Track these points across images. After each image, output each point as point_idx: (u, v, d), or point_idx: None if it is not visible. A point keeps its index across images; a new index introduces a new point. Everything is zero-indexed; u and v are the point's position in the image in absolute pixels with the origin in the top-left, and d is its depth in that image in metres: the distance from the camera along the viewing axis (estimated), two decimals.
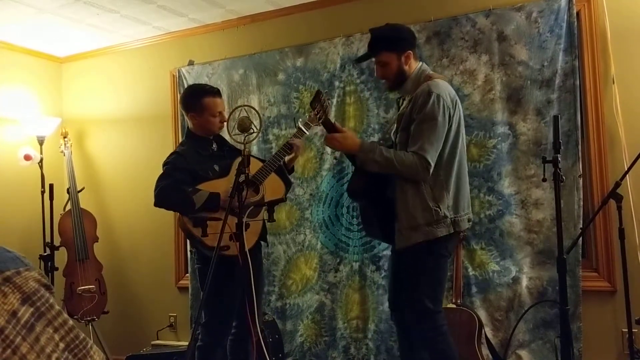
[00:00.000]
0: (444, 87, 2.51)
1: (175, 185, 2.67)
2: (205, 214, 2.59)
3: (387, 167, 2.46)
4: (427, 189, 2.46)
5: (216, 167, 2.77)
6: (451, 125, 2.48)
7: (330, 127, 2.60)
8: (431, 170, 2.43)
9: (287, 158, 2.85)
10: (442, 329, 2.53)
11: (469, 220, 2.59)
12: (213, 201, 2.64)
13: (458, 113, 2.54)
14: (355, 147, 2.53)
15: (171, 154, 2.85)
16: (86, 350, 0.81)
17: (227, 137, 3.10)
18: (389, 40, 2.59)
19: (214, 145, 2.92)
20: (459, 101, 2.58)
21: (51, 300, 0.79)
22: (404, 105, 2.62)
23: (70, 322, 0.82)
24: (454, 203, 2.50)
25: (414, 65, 2.60)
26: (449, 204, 2.48)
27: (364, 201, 2.76)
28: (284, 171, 2.88)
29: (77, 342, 0.80)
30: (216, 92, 2.89)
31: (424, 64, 2.68)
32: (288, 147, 2.79)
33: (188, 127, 2.95)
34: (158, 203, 2.73)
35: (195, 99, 2.86)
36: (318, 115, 2.59)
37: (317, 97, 2.57)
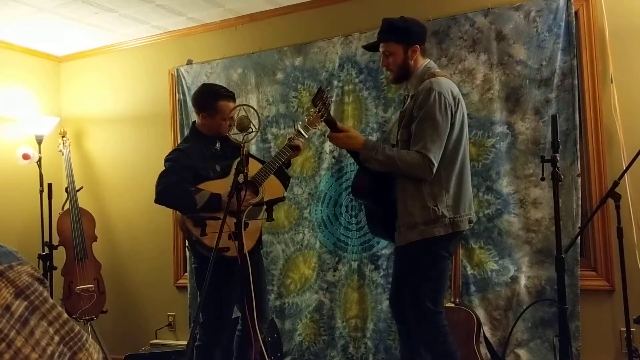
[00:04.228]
0: (446, 85, 2.47)
1: (179, 184, 2.66)
2: (204, 213, 2.59)
3: (389, 165, 2.46)
4: (427, 188, 2.43)
5: (217, 168, 2.76)
6: (454, 124, 2.45)
7: (333, 125, 2.61)
8: (434, 169, 2.40)
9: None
10: (444, 329, 2.50)
11: (470, 222, 2.54)
12: (214, 202, 2.63)
13: (461, 111, 2.50)
14: (359, 145, 2.53)
15: (174, 150, 2.83)
16: (81, 343, 0.80)
17: None
18: (397, 31, 2.58)
19: (218, 144, 2.89)
20: (462, 100, 2.54)
21: (45, 294, 0.78)
22: (407, 103, 2.60)
23: (65, 315, 0.81)
24: (454, 203, 2.46)
25: (420, 62, 2.58)
26: (449, 204, 2.44)
27: (368, 200, 2.76)
28: (283, 169, 2.87)
29: (72, 334, 0.80)
30: (231, 97, 2.88)
31: (432, 62, 2.65)
32: (288, 150, 2.75)
33: (194, 123, 2.93)
34: (159, 200, 2.71)
35: (210, 100, 2.83)
36: (320, 113, 2.60)
37: (319, 95, 2.58)
